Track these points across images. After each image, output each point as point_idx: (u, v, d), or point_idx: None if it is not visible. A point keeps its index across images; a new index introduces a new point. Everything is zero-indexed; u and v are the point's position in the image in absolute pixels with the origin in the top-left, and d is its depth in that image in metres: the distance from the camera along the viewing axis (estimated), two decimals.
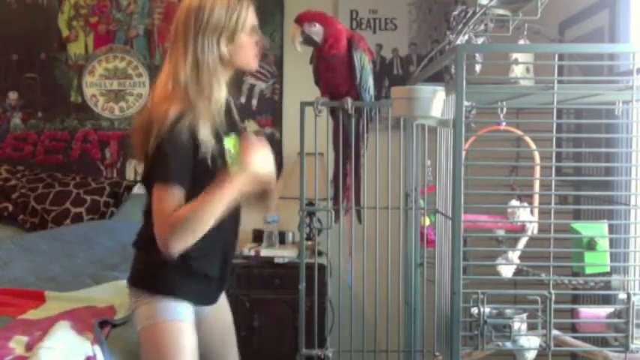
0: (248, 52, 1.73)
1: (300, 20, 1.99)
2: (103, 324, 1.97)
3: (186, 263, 1.66)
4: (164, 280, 1.69)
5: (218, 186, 1.57)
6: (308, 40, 2.00)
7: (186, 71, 1.64)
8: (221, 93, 1.68)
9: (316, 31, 1.98)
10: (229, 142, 1.74)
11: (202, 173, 1.62)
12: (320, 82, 2.12)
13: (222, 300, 1.89)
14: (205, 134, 1.61)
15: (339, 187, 2.14)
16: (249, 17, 1.71)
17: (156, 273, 1.69)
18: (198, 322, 1.76)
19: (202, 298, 1.78)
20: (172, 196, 1.57)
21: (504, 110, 1.75)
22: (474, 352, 1.63)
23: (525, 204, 1.74)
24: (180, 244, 1.56)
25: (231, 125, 1.78)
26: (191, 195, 1.59)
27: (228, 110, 1.78)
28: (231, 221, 1.70)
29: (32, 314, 2.11)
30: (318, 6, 3.40)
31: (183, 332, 1.69)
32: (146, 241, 1.67)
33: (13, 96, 3.53)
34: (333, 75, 2.06)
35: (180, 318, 1.68)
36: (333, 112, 2.14)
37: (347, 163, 2.15)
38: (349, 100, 2.04)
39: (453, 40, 1.74)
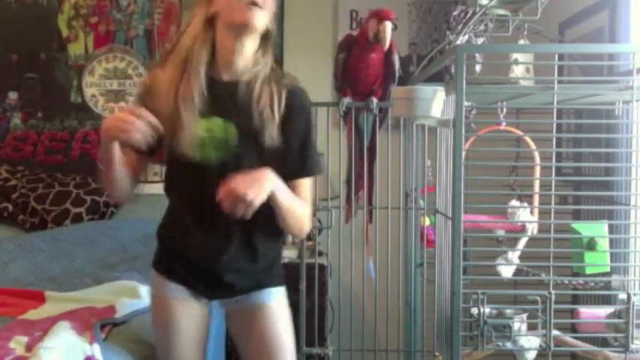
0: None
1: (390, 17, 1.99)
2: (104, 324, 1.97)
3: (158, 229, 1.75)
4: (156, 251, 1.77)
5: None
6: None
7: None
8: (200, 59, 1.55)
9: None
10: (201, 126, 1.55)
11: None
12: (347, 80, 2.10)
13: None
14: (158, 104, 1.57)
15: (352, 188, 2.14)
16: None
17: None
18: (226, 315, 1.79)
19: (172, 273, 1.71)
20: None
21: (504, 110, 1.75)
22: (474, 352, 1.64)
23: (525, 204, 1.74)
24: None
25: (229, 109, 1.57)
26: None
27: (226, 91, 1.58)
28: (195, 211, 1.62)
29: (32, 314, 2.10)
30: (318, 6, 3.44)
31: (157, 307, 1.74)
32: None
33: (13, 96, 3.52)
34: (367, 73, 2.07)
35: (154, 293, 1.75)
36: (346, 112, 2.14)
37: (359, 163, 2.14)
38: (374, 100, 2.06)
39: (453, 40, 1.74)
